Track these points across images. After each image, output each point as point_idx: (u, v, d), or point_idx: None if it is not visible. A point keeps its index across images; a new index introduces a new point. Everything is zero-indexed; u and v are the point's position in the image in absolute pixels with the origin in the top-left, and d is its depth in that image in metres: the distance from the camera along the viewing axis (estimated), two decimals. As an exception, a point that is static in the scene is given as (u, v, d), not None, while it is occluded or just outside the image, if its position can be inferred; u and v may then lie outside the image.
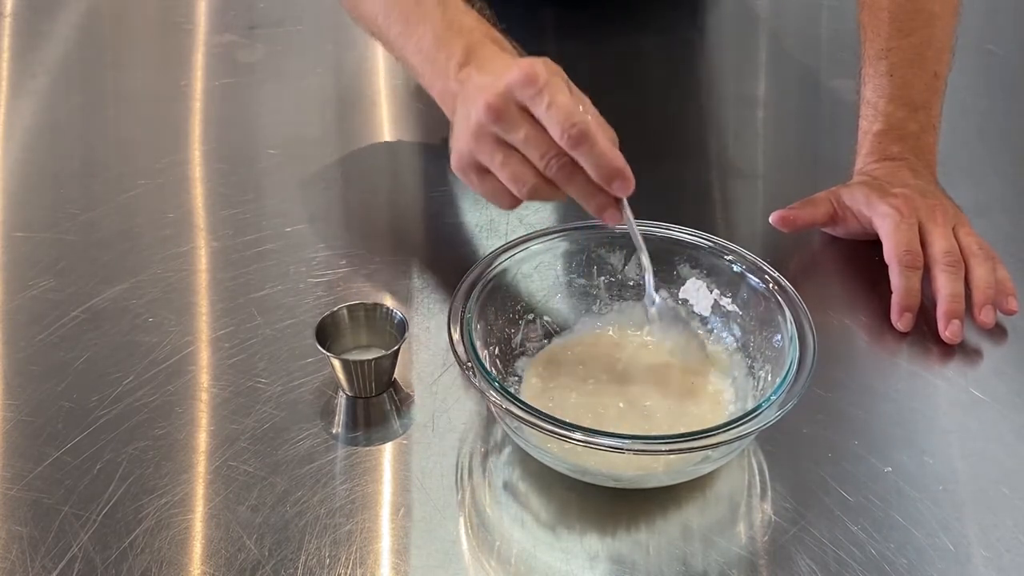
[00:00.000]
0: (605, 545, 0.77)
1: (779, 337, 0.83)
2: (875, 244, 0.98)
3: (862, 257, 1.01)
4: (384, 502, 0.80)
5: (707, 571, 0.75)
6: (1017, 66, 1.34)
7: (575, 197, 0.84)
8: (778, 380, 0.79)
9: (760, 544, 0.77)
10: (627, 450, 0.75)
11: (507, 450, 0.83)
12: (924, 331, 0.94)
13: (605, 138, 0.82)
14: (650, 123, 1.22)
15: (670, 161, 1.15)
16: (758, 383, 0.84)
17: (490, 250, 0.89)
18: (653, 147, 1.18)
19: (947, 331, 0.91)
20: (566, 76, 0.85)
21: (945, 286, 0.93)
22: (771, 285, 0.86)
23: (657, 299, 0.87)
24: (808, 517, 0.79)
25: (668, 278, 0.90)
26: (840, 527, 0.78)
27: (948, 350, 0.92)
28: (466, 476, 0.81)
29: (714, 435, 0.75)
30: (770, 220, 1.00)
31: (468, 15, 0.94)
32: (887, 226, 0.96)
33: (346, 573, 0.75)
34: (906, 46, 1.06)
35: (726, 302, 0.89)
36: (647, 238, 0.89)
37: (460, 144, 0.86)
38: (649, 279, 0.87)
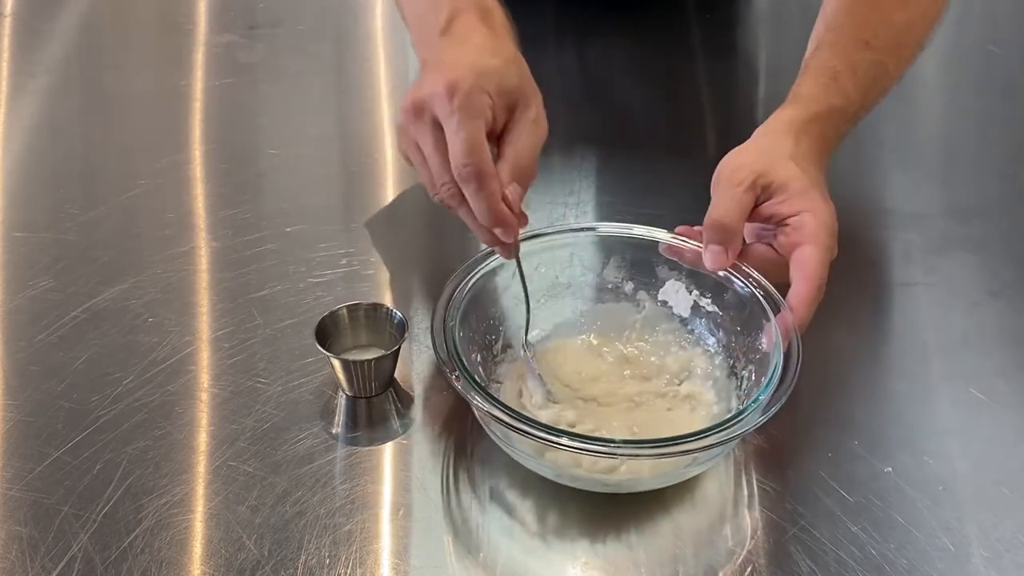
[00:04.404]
0: (595, 550, 0.77)
1: (764, 341, 0.83)
2: (874, 245, 0.98)
3: (863, 257, 1.01)
4: (384, 502, 0.80)
5: (704, 573, 0.75)
6: (1017, 66, 1.34)
7: (467, 223, 0.85)
8: (763, 381, 0.79)
9: (760, 544, 0.77)
10: (617, 454, 0.74)
11: (495, 456, 0.83)
12: (924, 331, 0.94)
13: (498, 183, 0.82)
14: (650, 123, 1.22)
15: (670, 161, 1.15)
16: (741, 383, 0.84)
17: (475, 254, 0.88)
18: (652, 147, 1.18)
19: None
20: (505, 94, 0.83)
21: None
22: (756, 289, 0.85)
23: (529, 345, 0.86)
24: (808, 517, 0.79)
25: (647, 280, 0.90)
26: (840, 527, 0.78)
27: (948, 351, 0.92)
28: (453, 482, 0.81)
29: (700, 439, 0.74)
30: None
31: None
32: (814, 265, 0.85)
33: (346, 573, 0.75)
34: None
35: (706, 303, 0.88)
36: (627, 240, 0.89)
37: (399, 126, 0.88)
38: (527, 326, 0.86)
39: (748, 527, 0.78)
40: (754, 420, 0.75)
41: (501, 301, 0.89)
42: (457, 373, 0.78)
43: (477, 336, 0.86)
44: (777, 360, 0.79)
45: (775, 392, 0.77)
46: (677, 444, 0.74)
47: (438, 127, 0.83)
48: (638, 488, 0.79)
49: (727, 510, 0.80)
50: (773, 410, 0.75)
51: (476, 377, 0.78)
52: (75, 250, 1.02)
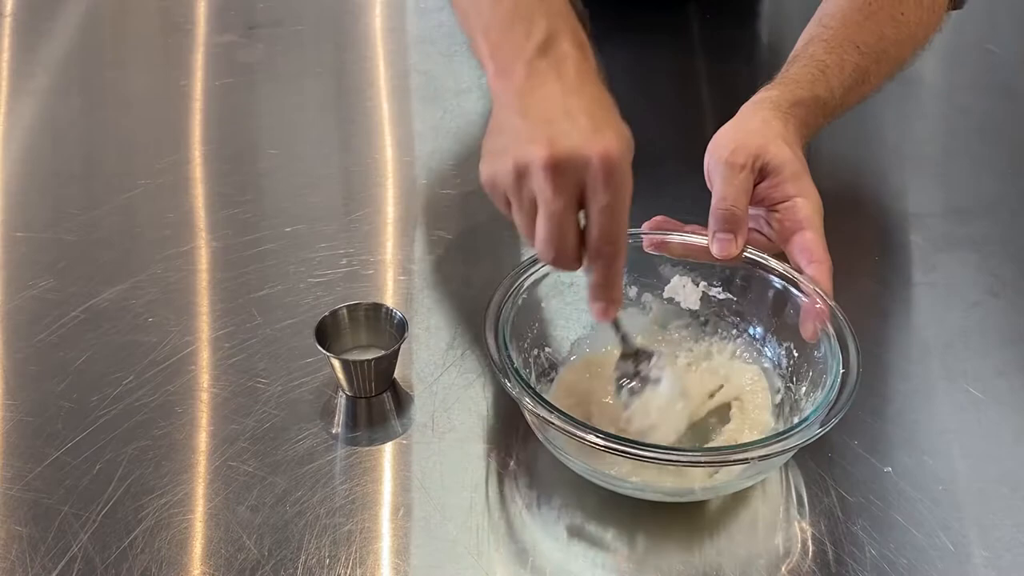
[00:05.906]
0: (597, 550, 0.77)
1: (821, 350, 0.81)
2: (874, 245, 0.98)
3: (863, 257, 1.01)
4: (384, 502, 0.80)
5: (705, 571, 0.75)
6: (1017, 66, 1.34)
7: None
8: (816, 356, 0.79)
9: (760, 544, 0.77)
10: (683, 463, 0.73)
11: (497, 455, 0.83)
12: (924, 331, 0.94)
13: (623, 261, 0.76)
14: (650, 123, 1.22)
15: (670, 161, 1.15)
16: (779, 361, 0.84)
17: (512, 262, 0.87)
18: (653, 147, 1.17)
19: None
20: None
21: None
22: (768, 269, 0.85)
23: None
24: (808, 517, 0.79)
25: (650, 281, 0.89)
26: (840, 527, 0.78)
27: (948, 351, 0.92)
28: (453, 481, 0.81)
29: (757, 448, 0.73)
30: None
31: None
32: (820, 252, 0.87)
33: (346, 573, 0.75)
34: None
35: (716, 292, 0.88)
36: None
37: (498, 168, 0.75)
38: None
39: (755, 525, 0.78)
40: (830, 421, 0.74)
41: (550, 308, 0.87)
42: (508, 376, 0.76)
43: (527, 341, 0.84)
44: (836, 372, 0.78)
45: (836, 400, 0.76)
46: (733, 453, 0.74)
47: (581, 189, 0.74)
48: (689, 498, 0.79)
49: (737, 508, 0.80)
50: (838, 416, 0.74)
51: (529, 379, 0.77)
52: (75, 250, 1.02)
